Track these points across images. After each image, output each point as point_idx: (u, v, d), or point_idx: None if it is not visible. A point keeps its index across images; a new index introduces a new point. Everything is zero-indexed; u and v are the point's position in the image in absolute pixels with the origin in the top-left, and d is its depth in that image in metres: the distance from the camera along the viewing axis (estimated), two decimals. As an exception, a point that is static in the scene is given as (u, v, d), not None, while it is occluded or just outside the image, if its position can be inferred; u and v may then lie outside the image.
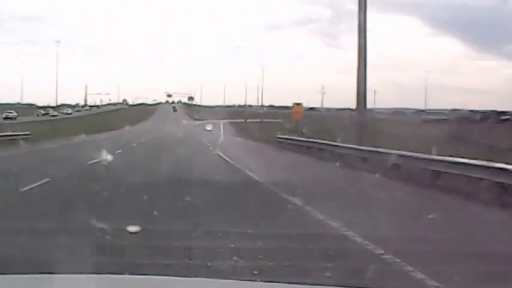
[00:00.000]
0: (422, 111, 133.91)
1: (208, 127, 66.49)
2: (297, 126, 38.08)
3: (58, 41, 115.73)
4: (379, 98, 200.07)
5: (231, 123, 73.09)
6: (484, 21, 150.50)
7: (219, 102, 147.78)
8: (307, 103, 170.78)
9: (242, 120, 69.55)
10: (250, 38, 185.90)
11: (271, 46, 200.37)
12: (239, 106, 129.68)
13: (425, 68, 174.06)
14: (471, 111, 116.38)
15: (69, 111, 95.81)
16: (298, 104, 41.66)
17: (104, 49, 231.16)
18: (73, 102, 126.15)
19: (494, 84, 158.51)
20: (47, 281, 2.90)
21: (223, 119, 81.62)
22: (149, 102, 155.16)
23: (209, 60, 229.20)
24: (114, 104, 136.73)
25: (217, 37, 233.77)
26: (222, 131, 61.32)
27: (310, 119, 73.67)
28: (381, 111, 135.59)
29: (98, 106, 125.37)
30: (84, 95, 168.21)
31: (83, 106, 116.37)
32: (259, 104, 76.82)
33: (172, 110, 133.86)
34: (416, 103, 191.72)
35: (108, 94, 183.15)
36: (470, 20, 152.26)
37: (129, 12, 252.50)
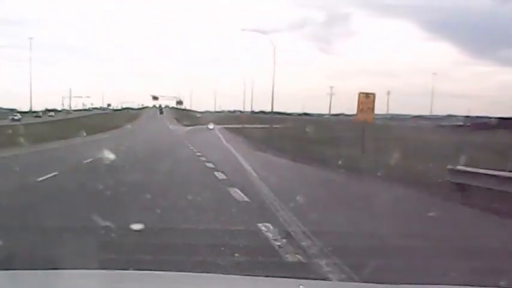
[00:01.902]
0: (417, 116, 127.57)
1: (210, 125, 59.07)
2: (363, 136, 21.19)
3: (31, 38, 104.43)
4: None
5: (227, 128, 63.03)
6: (480, 25, 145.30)
7: (208, 107, 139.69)
8: (301, 108, 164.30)
9: (240, 126, 60.83)
10: (240, 42, 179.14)
11: (261, 50, 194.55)
12: (229, 112, 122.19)
13: (418, 73, 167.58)
14: (476, 116, 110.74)
15: (16, 117, 77.86)
16: (367, 96, 21.09)
17: (92, 53, 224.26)
18: (59, 107, 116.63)
19: (488, 89, 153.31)
20: (52, 277, 2.85)
21: (217, 124, 72.60)
22: (136, 106, 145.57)
23: (199, 66, 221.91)
24: (89, 110, 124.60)
25: (206, 43, 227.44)
26: (226, 140, 43.66)
27: (329, 127, 65.29)
28: (385, 117, 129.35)
29: (68, 111, 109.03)
30: (66, 99, 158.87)
31: (47, 111, 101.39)
32: (249, 109, 69.74)
33: (158, 113, 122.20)
34: (407, 109, 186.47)
35: (88, 97, 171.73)
36: (465, 24, 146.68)
37: (117, 16, 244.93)
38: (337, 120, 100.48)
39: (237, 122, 67.92)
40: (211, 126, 60.42)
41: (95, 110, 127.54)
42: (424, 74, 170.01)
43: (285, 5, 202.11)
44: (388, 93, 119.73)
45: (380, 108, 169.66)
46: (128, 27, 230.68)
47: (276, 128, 54.14)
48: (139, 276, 3.08)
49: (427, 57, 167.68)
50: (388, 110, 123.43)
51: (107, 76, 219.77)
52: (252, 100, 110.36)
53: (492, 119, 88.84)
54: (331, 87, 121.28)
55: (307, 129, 41.28)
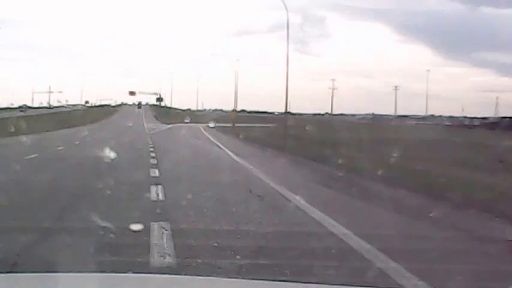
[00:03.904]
0: (405, 116, 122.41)
1: (211, 124, 51.69)
2: None
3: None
4: (348, 103, 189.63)
5: (218, 128, 54.96)
6: (453, 28, 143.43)
7: (190, 106, 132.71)
8: (282, 108, 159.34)
9: (230, 125, 53.79)
10: (220, 43, 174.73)
11: (241, 52, 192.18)
12: (210, 110, 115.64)
13: (394, 74, 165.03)
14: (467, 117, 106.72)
15: None
16: None
17: (74, 52, 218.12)
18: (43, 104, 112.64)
19: (461, 90, 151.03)
20: (49, 280, 2.76)
21: (201, 122, 65.09)
22: (115, 104, 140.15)
23: (181, 66, 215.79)
24: (50, 107, 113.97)
25: (189, 43, 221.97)
26: (237, 154, 22.24)
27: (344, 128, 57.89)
28: (365, 117, 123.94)
29: (22, 108, 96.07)
30: (36, 95, 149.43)
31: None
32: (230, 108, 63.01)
33: (137, 108, 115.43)
34: (383, 109, 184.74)
35: (61, 92, 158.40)
36: (438, 28, 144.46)
37: (98, 12, 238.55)
38: (328, 119, 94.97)
39: (224, 120, 61.57)
40: (212, 124, 53.82)
41: (60, 108, 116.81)
42: (400, 74, 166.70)
43: (260, 8, 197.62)
44: (396, 87, 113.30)
45: (362, 108, 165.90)
46: (111, 26, 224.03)
47: (275, 127, 47.27)
48: (138, 279, 2.87)
49: (402, 58, 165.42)
50: (396, 109, 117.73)
51: (88, 74, 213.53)
52: (236, 99, 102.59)
53: (495, 118, 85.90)
54: (333, 80, 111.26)
55: (331, 130, 33.95)
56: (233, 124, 53.14)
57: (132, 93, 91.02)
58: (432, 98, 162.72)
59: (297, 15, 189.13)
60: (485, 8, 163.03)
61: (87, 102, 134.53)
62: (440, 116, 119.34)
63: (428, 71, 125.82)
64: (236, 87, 57.58)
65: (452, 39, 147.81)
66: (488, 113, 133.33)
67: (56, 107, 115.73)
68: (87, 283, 2.68)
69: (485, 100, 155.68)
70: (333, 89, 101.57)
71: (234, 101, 59.06)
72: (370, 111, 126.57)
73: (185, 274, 5.07)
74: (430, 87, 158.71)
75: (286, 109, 32.78)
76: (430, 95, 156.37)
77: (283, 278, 4.30)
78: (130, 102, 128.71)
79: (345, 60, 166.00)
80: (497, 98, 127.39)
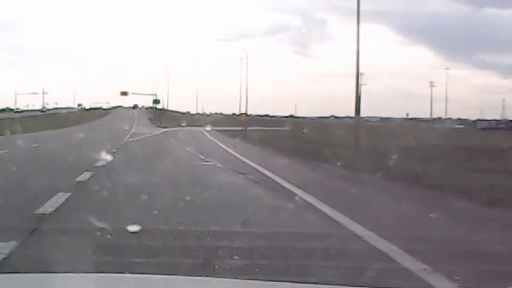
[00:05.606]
0: (412, 119, 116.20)
1: (208, 127, 44.46)
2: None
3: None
4: (350, 106, 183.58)
5: (226, 133, 46.58)
6: (455, 30, 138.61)
7: (189, 109, 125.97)
8: (293, 112, 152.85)
9: (239, 129, 46.16)
10: (219, 46, 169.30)
11: (240, 53, 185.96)
12: (210, 113, 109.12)
13: (395, 76, 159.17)
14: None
15: None
16: None
17: (65, 53, 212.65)
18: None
19: (463, 92, 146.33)
20: (49, 280, 2.71)
21: (201, 126, 57.40)
22: (110, 106, 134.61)
23: (177, 67, 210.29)
24: (18, 111, 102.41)
25: (186, 45, 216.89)
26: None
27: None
28: (369, 119, 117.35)
29: None
30: (19, 97, 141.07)
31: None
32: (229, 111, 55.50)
33: (132, 109, 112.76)
34: (384, 111, 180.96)
35: (46, 94, 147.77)
36: (440, 30, 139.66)
37: (94, 13, 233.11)
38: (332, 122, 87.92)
39: (228, 124, 54.28)
40: (208, 128, 47.51)
41: (29, 111, 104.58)
42: (401, 76, 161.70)
43: (260, 11, 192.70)
44: (431, 83, 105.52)
45: (364, 110, 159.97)
46: (108, 29, 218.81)
47: (289, 130, 40.48)
48: (137, 280, 2.81)
49: (403, 60, 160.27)
50: (432, 113, 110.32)
51: (82, 76, 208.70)
52: (246, 100, 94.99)
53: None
54: (361, 74, 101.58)
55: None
56: (245, 128, 45.72)
57: (124, 93, 79.81)
58: (435, 100, 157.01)
59: (296, 17, 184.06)
60: (489, 8, 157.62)
61: (79, 104, 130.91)
62: (449, 119, 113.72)
63: (447, 68, 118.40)
64: (246, 88, 49.83)
65: (454, 41, 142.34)
66: (493, 115, 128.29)
67: (26, 110, 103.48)
68: (85, 283, 2.64)
69: (488, 102, 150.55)
70: (361, 84, 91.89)
71: (245, 102, 51.51)
72: (374, 114, 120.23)
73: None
74: (433, 89, 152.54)
75: (357, 111, 22.59)
76: (434, 96, 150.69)
77: (283, 279, 3.99)
78: (125, 105, 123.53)
79: (345, 62, 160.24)
80: (503, 100, 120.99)
